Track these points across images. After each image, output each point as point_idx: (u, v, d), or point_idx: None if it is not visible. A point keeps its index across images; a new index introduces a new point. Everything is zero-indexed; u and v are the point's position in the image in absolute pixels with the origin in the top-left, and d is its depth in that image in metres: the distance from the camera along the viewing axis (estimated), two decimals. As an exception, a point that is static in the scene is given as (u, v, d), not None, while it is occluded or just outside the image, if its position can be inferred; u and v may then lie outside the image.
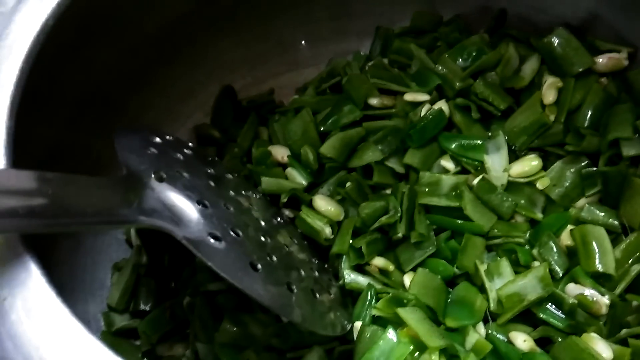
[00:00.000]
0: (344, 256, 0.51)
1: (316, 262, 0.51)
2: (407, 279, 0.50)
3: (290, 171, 0.56)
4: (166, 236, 0.39)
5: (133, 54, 0.52)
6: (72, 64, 0.44)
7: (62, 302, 0.30)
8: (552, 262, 0.49)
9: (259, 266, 0.41)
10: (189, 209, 0.40)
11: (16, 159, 0.35)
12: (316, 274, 0.49)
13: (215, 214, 0.42)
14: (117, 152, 0.42)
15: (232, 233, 0.42)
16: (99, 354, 0.28)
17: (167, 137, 0.48)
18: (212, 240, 0.39)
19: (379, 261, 0.51)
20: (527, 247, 0.52)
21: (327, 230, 0.52)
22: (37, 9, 0.38)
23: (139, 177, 0.40)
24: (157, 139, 0.46)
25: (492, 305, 0.48)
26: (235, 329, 0.49)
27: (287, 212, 0.55)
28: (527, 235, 0.52)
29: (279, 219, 0.52)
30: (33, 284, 0.30)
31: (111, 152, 0.42)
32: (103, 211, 0.36)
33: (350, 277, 0.51)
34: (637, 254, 0.48)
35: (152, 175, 0.40)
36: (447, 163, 0.54)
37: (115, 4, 0.46)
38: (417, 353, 0.44)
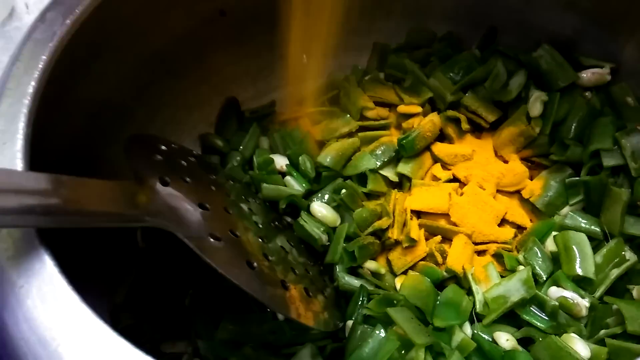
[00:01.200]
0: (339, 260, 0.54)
1: (312, 264, 0.53)
2: (398, 282, 0.53)
3: (289, 179, 0.58)
4: (171, 238, 0.41)
5: (142, 68, 0.54)
6: (85, 77, 0.47)
7: (72, 290, 0.33)
8: (536, 267, 0.51)
9: (255, 265, 0.43)
10: (190, 211, 0.43)
11: (34, 162, 0.38)
12: (311, 274, 0.51)
13: (215, 216, 0.44)
14: (126, 158, 0.44)
15: (230, 234, 0.44)
16: (104, 335, 0.31)
17: (173, 145, 0.51)
18: (211, 240, 0.42)
19: (371, 264, 0.53)
20: (514, 252, 0.53)
21: (324, 238, 0.54)
22: (51, 27, 0.41)
23: (146, 181, 0.42)
24: (164, 147, 0.49)
25: (478, 306, 0.50)
26: (234, 326, 0.51)
27: (289, 220, 0.58)
28: (514, 241, 0.54)
29: (277, 224, 0.55)
30: (47, 274, 0.33)
31: (121, 157, 0.44)
32: (112, 211, 0.38)
33: (344, 279, 0.53)
34: (617, 259, 0.50)
35: (158, 180, 0.43)
36: (438, 172, 0.57)
37: (124, 23, 0.48)
38: (404, 350, 0.46)
